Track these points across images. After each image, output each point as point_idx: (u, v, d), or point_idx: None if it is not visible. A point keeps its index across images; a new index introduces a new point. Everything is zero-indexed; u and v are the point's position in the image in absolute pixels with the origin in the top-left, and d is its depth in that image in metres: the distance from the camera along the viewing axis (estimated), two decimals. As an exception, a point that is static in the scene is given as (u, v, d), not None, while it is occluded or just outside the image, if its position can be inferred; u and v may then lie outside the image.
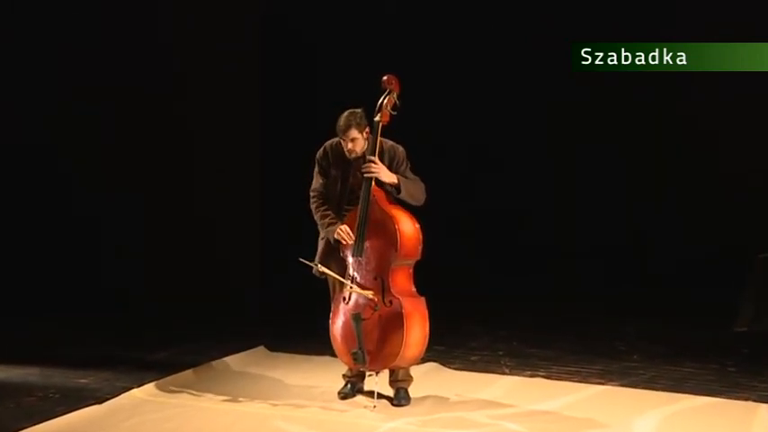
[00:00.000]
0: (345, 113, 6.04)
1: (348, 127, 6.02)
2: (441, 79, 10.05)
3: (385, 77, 6.10)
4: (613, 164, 9.97)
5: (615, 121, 9.87)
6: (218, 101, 9.20)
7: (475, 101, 10.12)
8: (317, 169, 6.23)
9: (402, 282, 6.02)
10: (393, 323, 5.91)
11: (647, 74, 8.19)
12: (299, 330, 8.11)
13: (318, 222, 6.18)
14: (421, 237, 6.03)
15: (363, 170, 5.99)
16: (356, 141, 6.03)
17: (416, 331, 5.96)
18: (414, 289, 6.08)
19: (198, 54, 9.15)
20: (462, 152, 10.30)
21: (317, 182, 6.23)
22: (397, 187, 6.04)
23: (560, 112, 9.99)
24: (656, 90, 9.55)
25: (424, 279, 6.21)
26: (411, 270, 6.08)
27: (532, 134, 10.13)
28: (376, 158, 6.00)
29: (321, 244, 6.20)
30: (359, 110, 6.05)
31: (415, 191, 6.10)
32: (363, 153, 6.08)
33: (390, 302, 5.93)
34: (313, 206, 6.21)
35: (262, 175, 9.45)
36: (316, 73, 10.07)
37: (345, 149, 6.07)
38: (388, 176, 6.02)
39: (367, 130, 6.06)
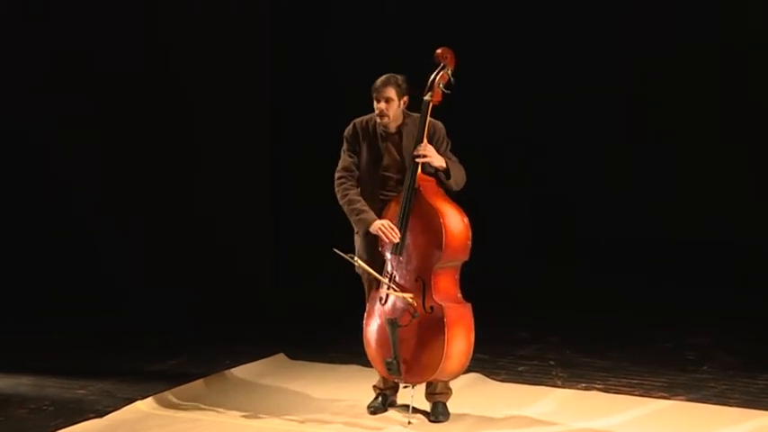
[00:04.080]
0: (386, 75, 6.01)
1: (385, 85, 5.97)
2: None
3: (439, 50, 6.01)
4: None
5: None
6: (226, 99, 9.36)
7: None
8: (344, 147, 6.17)
9: (446, 286, 5.97)
10: (433, 332, 5.87)
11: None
12: (324, 335, 8.13)
13: (346, 210, 6.08)
14: (470, 234, 5.96)
15: (414, 155, 5.94)
16: (391, 103, 5.98)
17: (459, 343, 5.92)
18: (459, 294, 6.01)
19: (204, 41, 9.34)
20: (514, 141, 10.33)
21: (344, 161, 6.15)
22: (446, 172, 6.00)
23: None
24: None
25: (466, 278, 6.19)
26: (458, 273, 6.01)
27: (584, 124, 10.14)
28: (426, 143, 5.94)
29: (357, 237, 6.18)
30: (402, 76, 6.03)
31: (460, 176, 6.08)
32: (398, 130, 6.05)
33: (431, 309, 5.89)
34: (339, 189, 6.11)
35: (274, 164, 9.51)
36: (331, 50, 10.16)
37: (376, 110, 6.01)
38: (440, 161, 5.99)
39: (405, 99, 6.02)
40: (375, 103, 6.02)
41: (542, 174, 10.40)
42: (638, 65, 10.05)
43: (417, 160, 5.92)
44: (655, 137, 10.10)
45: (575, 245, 10.32)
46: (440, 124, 6.10)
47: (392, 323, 5.92)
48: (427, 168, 6.01)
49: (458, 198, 6.09)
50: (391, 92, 5.97)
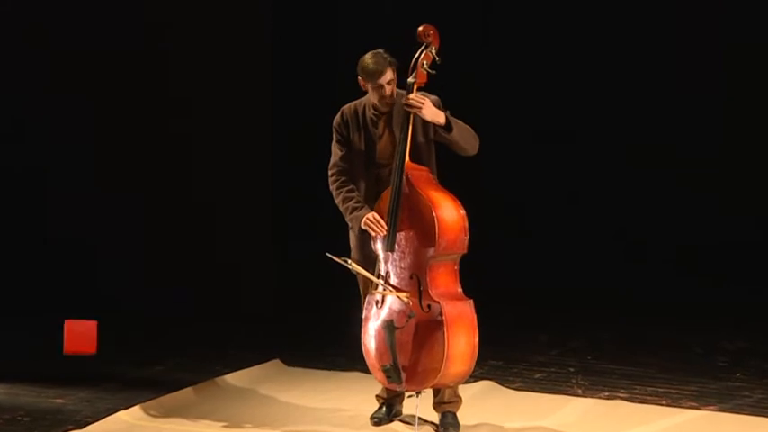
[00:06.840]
0: (370, 56, 5.98)
1: (384, 67, 5.95)
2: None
3: (421, 28, 6.01)
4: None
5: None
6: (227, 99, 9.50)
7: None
8: (335, 139, 6.17)
9: (444, 281, 5.93)
10: (431, 332, 5.83)
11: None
12: (322, 340, 8.13)
13: (341, 209, 6.10)
14: (466, 225, 5.93)
15: (404, 104, 5.91)
16: (392, 84, 5.99)
17: (461, 342, 5.86)
18: (459, 290, 5.98)
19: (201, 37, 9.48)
20: (534, 131, 10.34)
21: (335, 155, 6.16)
22: (446, 126, 5.95)
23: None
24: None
25: (476, 277, 6.16)
26: (456, 266, 5.98)
27: (610, 113, 10.15)
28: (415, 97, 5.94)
29: (351, 235, 6.17)
30: (381, 49, 6.02)
31: (467, 134, 6.02)
32: (390, 105, 6.03)
33: (428, 307, 5.85)
34: (333, 186, 6.13)
35: (271, 162, 9.56)
36: (332, 54, 10.18)
37: (379, 97, 5.99)
38: (434, 114, 5.93)
39: (396, 65, 6.03)
40: (377, 90, 5.98)
41: (572, 172, 10.40)
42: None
43: (408, 109, 5.88)
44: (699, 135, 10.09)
45: (595, 244, 10.30)
46: (434, 96, 6.05)
47: (388, 326, 5.89)
48: (419, 139, 5.99)
49: (465, 188, 6.09)
50: (390, 73, 5.97)
